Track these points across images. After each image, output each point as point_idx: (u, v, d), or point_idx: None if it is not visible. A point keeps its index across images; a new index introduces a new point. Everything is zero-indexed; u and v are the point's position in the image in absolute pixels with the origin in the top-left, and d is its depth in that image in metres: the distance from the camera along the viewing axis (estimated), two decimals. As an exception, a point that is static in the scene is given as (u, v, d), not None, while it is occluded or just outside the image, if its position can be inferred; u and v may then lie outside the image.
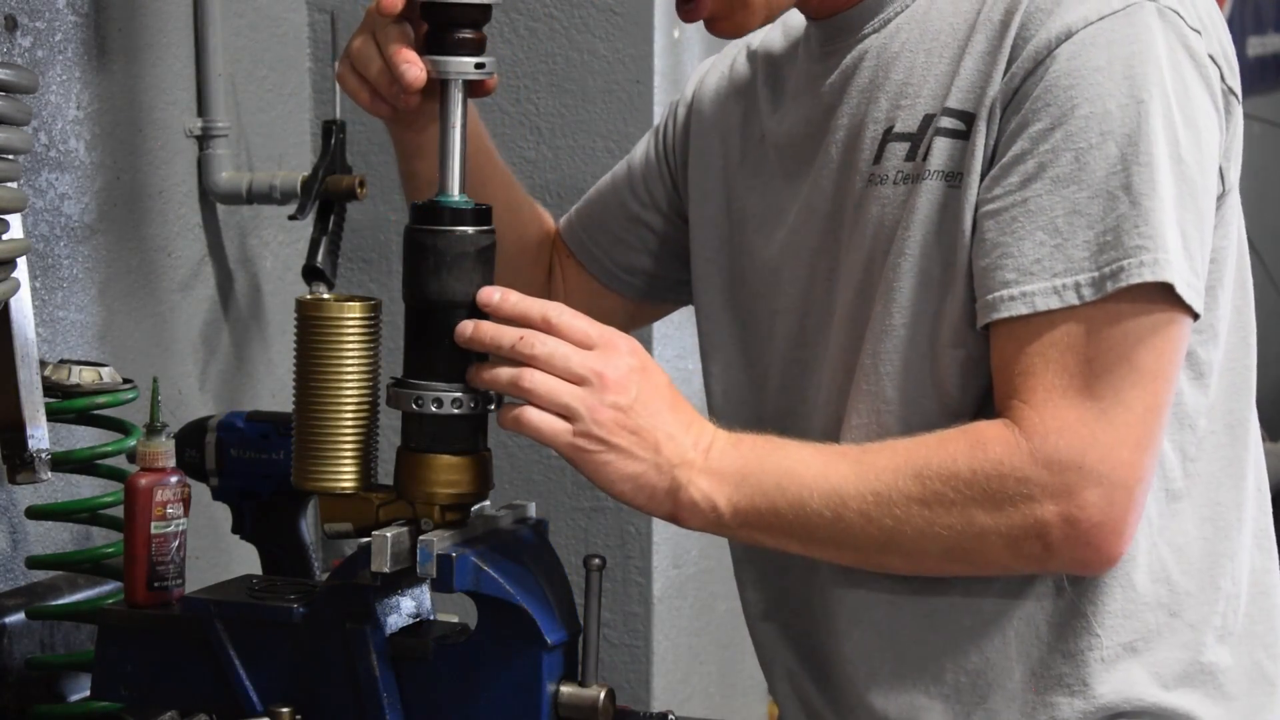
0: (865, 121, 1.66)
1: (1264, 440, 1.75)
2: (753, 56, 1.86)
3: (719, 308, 1.82)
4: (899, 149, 1.63)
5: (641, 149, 1.95)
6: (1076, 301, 1.52)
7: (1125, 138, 1.52)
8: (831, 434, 1.66)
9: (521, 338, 1.58)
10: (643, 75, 2.84)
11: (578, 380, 1.57)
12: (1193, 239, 1.54)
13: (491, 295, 1.61)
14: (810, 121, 1.73)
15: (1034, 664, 1.62)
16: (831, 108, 1.70)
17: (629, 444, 1.57)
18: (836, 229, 1.68)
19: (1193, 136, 1.55)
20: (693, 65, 2.96)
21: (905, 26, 1.66)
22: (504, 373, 1.59)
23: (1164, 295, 1.52)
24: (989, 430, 1.54)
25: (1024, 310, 1.53)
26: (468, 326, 1.60)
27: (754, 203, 1.79)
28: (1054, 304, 1.52)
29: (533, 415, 1.58)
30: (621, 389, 1.57)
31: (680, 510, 1.59)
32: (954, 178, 1.59)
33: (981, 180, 1.57)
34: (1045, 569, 1.59)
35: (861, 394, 1.64)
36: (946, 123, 1.60)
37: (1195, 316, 1.55)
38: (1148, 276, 1.51)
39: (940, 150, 1.60)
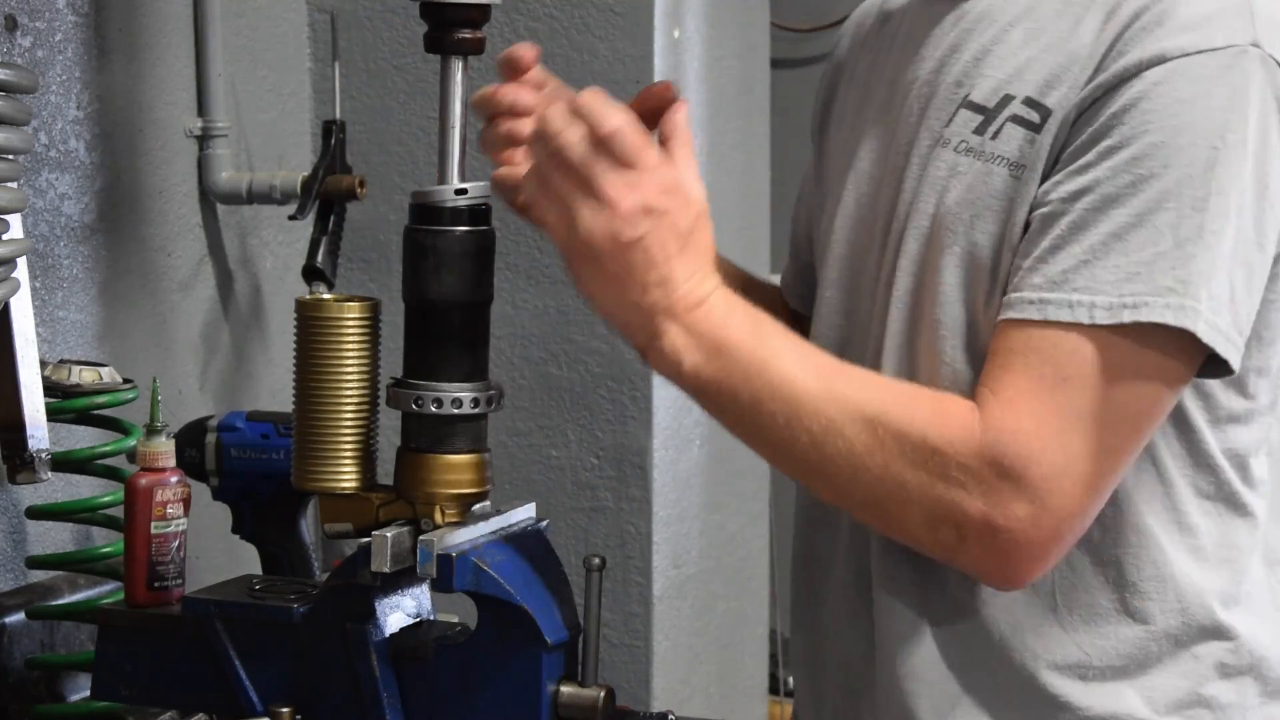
0: (948, 82, 1.62)
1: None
2: (883, 7, 1.81)
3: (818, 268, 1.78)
4: (971, 119, 1.59)
5: (808, 166, 1.89)
6: (1085, 321, 1.49)
7: (1187, 177, 1.48)
8: None
9: (553, 123, 1.49)
10: (643, 75, 2.84)
11: (593, 193, 1.49)
12: (1239, 295, 1.50)
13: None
14: (905, 73, 1.69)
15: (1025, 679, 1.61)
16: (921, 60, 1.66)
17: (618, 272, 1.50)
18: (898, 184, 1.65)
19: (1259, 192, 1.51)
20: (693, 65, 2.96)
21: None
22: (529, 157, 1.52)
23: (1176, 342, 1.49)
24: (955, 407, 1.51)
25: (1034, 316, 1.50)
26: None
27: (857, 158, 1.73)
28: (1063, 316, 1.49)
29: (543, 211, 1.51)
30: (628, 223, 1.49)
31: (649, 352, 1.54)
32: (1018, 169, 1.56)
33: (1043, 180, 1.54)
34: (952, 560, 1.55)
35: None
36: (1022, 110, 1.56)
37: (1228, 370, 1.51)
38: (1169, 319, 1.47)
39: (1010, 136, 1.56)
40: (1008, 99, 1.58)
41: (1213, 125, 1.49)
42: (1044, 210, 1.53)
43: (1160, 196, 1.48)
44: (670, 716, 1.67)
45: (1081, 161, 1.52)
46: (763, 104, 3.27)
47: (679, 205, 1.51)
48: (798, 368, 1.53)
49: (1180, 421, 1.58)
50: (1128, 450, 1.52)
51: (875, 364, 1.64)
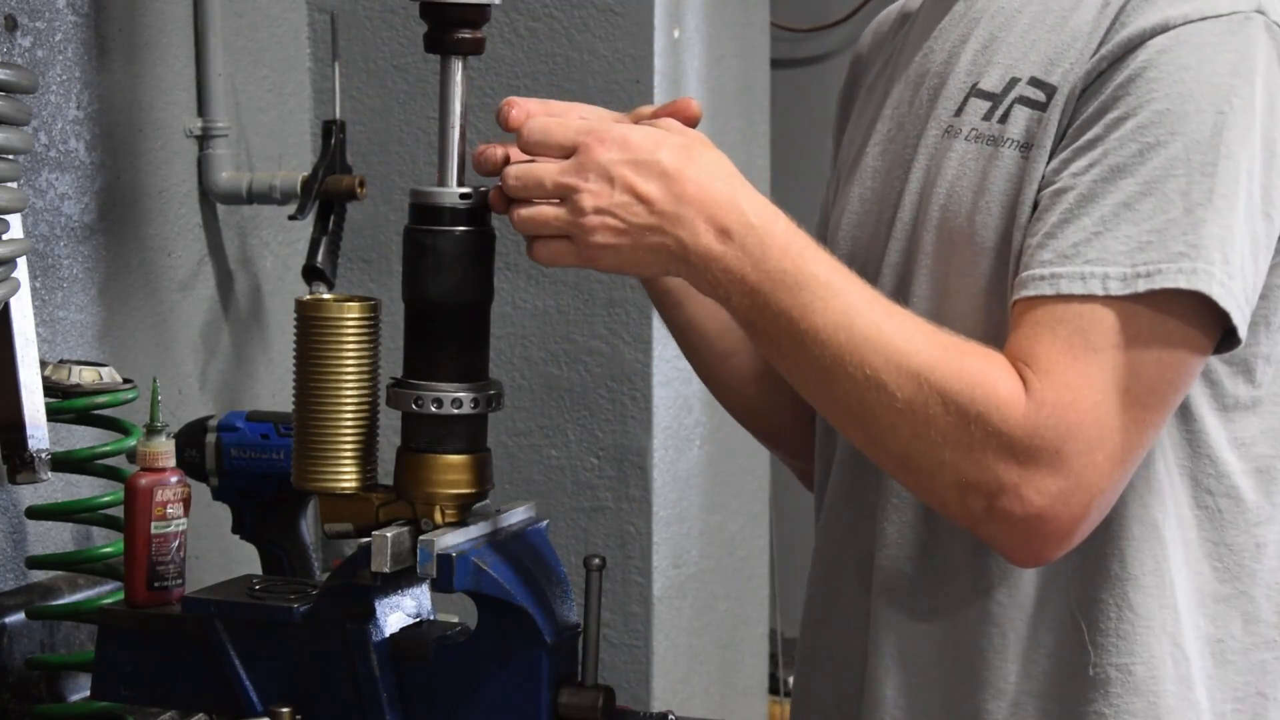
0: (957, 72, 1.62)
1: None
2: (903, 9, 1.81)
3: None
4: (980, 106, 1.59)
5: (830, 174, 1.86)
6: (1100, 292, 1.46)
7: (1195, 143, 1.46)
8: None
9: (504, 175, 1.54)
10: (643, 75, 2.84)
11: (558, 198, 1.52)
12: (1247, 263, 1.48)
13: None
14: (914, 67, 1.68)
15: None
16: (930, 52, 1.66)
17: (636, 232, 1.50)
18: (905, 175, 1.64)
19: (1267, 159, 1.49)
20: (693, 65, 2.96)
21: None
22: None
23: (1195, 308, 1.47)
24: (1006, 374, 1.47)
25: (1047, 291, 1.47)
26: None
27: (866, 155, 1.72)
28: (1075, 289, 1.47)
29: (539, 249, 1.54)
30: (597, 194, 1.50)
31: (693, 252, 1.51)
32: (1026, 149, 1.54)
33: (1050, 158, 1.53)
34: (975, 530, 1.51)
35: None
36: (1029, 92, 1.55)
37: (1236, 342, 1.49)
38: (1182, 284, 1.45)
39: (1019, 119, 1.55)
40: (1014, 81, 1.57)
41: (1218, 90, 1.47)
42: (1053, 187, 1.51)
43: (1168, 164, 1.47)
44: (670, 716, 1.67)
45: (1089, 135, 1.50)
46: (763, 104, 3.27)
47: (629, 147, 1.51)
48: (845, 306, 1.49)
49: (1180, 408, 1.55)
50: (1154, 424, 1.49)
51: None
